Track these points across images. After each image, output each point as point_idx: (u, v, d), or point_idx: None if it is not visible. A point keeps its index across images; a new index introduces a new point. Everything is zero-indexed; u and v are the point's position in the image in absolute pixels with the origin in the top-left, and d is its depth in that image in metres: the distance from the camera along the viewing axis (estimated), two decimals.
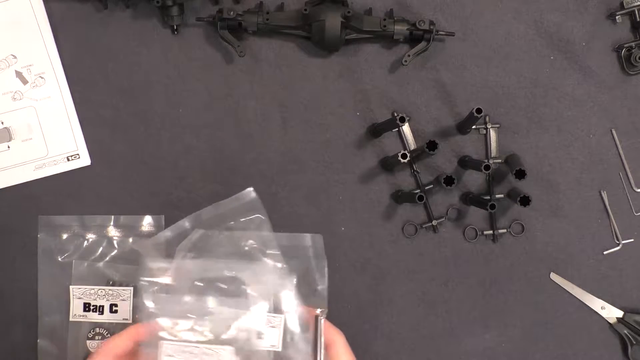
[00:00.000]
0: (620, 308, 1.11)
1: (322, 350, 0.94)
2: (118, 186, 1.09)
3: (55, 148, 1.09)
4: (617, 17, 1.09)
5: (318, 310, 0.95)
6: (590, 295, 1.11)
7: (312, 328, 0.94)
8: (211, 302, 0.92)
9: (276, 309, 0.93)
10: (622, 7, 1.10)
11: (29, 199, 1.09)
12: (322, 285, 1.00)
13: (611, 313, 1.11)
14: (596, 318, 1.11)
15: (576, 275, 1.11)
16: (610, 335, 1.11)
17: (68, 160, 1.09)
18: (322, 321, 0.94)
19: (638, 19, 1.09)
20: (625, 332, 1.10)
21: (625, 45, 1.10)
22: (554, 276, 1.11)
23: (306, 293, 0.97)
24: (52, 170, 1.09)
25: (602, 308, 1.11)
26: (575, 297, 1.11)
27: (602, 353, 1.12)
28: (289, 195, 1.10)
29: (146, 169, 1.10)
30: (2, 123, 1.08)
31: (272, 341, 0.92)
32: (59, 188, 1.09)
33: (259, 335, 0.91)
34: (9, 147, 1.08)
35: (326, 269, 1.00)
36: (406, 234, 1.11)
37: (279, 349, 0.92)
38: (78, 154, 1.09)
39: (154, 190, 1.10)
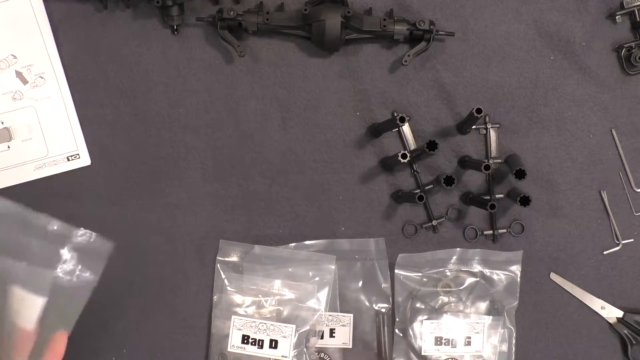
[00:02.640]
0: (620, 308, 1.11)
1: (387, 344, 1.07)
2: (118, 186, 1.09)
3: (55, 148, 1.09)
4: (617, 17, 1.09)
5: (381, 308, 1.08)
6: (590, 295, 1.11)
7: (376, 325, 1.08)
8: (277, 284, 1.07)
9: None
10: (622, 7, 1.10)
11: (29, 199, 1.09)
12: (386, 284, 1.08)
13: (611, 313, 1.11)
14: (596, 318, 1.11)
15: (576, 275, 1.11)
16: (610, 335, 1.11)
17: (68, 160, 1.09)
18: (385, 317, 1.08)
19: (638, 19, 1.09)
20: (625, 332, 1.10)
21: (625, 45, 1.09)
22: (554, 276, 1.11)
23: (372, 291, 1.09)
24: (52, 170, 1.09)
25: (602, 308, 1.11)
26: (575, 297, 1.11)
27: (602, 353, 1.12)
28: (289, 195, 1.10)
29: (146, 169, 1.10)
30: (2, 123, 1.08)
31: (343, 339, 1.07)
32: (59, 188, 1.09)
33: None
34: (9, 147, 1.08)
35: (388, 270, 1.09)
36: (406, 234, 1.11)
37: (350, 346, 1.08)
38: (78, 154, 1.09)
39: (154, 190, 1.10)
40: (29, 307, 1.01)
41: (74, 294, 1.07)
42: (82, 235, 1.08)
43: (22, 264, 1.05)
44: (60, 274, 1.06)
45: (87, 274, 1.09)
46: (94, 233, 1.07)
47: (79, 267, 1.08)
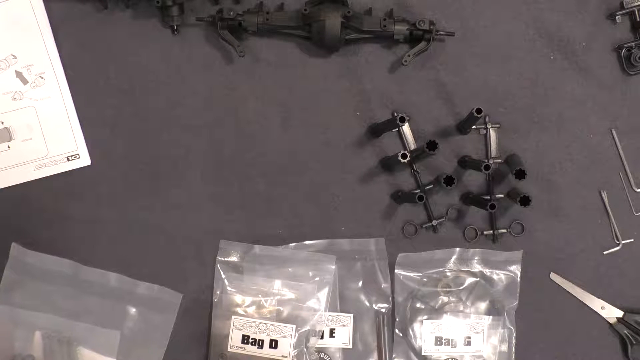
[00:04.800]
0: (620, 308, 1.11)
1: (387, 344, 1.07)
2: (118, 186, 1.09)
3: (55, 148, 1.09)
4: (617, 17, 1.09)
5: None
6: (590, 295, 1.11)
7: (376, 325, 1.08)
8: (277, 284, 1.07)
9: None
10: (622, 7, 1.10)
11: (29, 199, 1.09)
12: (386, 284, 1.08)
13: (611, 313, 1.11)
14: (596, 318, 1.11)
15: (576, 275, 1.11)
16: (610, 335, 1.11)
17: (68, 160, 1.09)
18: (385, 317, 1.07)
19: (638, 19, 1.09)
20: (625, 332, 1.10)
21: (625, 45, 1.10)
22: (554, 276, 1.11)
23: (372, 291, 1.09)
24: (52, 170, 1.09)
25: (602, 308, 1.11)
26: (575, 297, 1.11)
27: (602, 353, 1.12)
28: (289, 195, 1.10)
29: (146, 169, 1.10)
30: (2, 123, 1.08)
31: (343, 339, 1.07)
32: (59, 188, 1.09)
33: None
34: (9, 147, 1.08)
35: (388, 270, 1.09)
36: (406, 234, 1.11)
37: (350, 346, 1.07)
38: (78, 154, 1.09)
39: (154, 190, 1.09)
40: None
41: (143, 354, 1.06)
42: (146, 289, 1.07)
43: (86, 325, 1.03)
44: (128, 333, 1.05)
45: (156, 331, 1.06)
46: (156, 285, 1.07)
47: (147, 323, 1.06)
